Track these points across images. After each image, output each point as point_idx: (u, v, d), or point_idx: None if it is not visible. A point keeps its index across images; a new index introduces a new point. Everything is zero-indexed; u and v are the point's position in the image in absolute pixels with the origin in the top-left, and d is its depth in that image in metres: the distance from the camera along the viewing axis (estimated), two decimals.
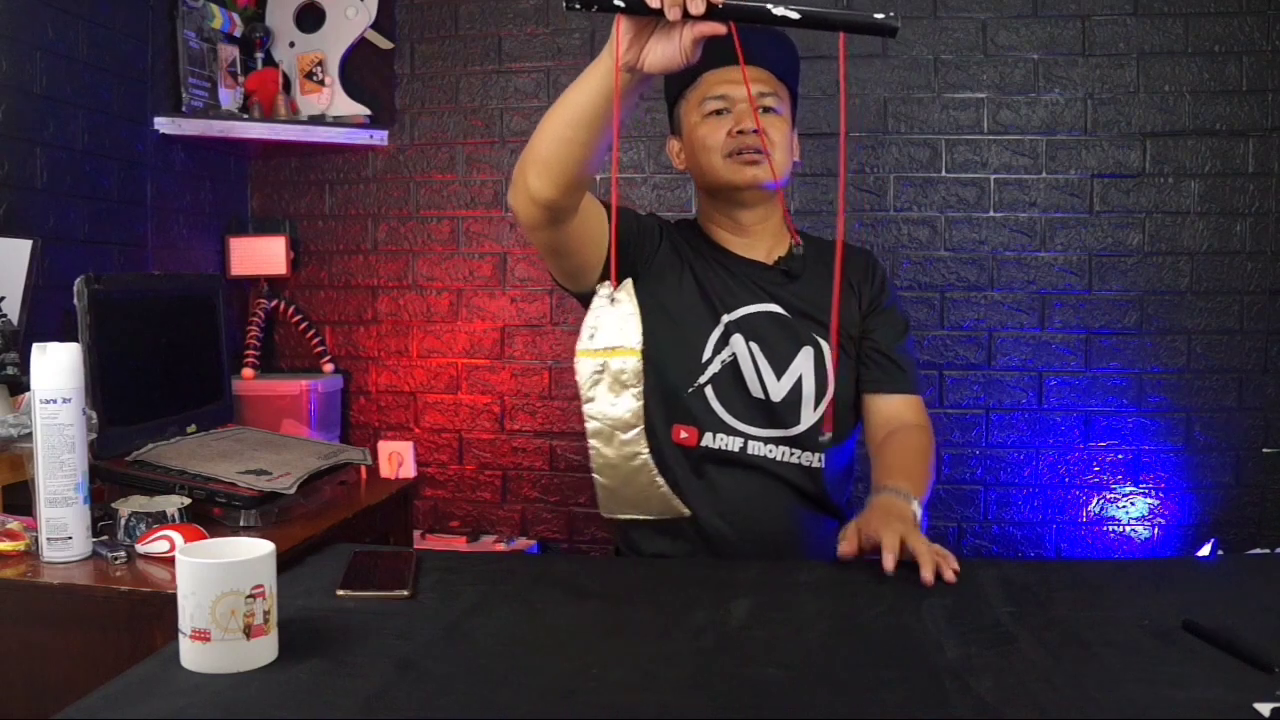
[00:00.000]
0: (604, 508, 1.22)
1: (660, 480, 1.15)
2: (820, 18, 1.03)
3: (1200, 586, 1.14)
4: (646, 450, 1.09)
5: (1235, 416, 2.44)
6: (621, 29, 1.04)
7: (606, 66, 1.08)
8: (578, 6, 1.01)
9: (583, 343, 1.07)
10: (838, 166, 2.50)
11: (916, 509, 1.26)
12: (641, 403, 1.08)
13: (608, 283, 1.10)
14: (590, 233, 1.31)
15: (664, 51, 1.05)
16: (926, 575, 1.11)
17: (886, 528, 1.17)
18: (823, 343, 1.45)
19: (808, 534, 1.45)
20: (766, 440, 1.42)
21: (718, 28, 1.02)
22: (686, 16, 1.00)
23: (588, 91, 1.12)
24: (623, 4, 1.01)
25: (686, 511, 1.18)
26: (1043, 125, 2.45)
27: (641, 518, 1.20)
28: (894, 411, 1.48)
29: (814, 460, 1.44)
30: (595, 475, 1.12)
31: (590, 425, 1.08)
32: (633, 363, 1.05)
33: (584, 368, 1.08)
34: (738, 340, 1.42)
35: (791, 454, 1.43)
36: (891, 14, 1.00)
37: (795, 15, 1.00)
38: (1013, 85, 2.46)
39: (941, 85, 2.47)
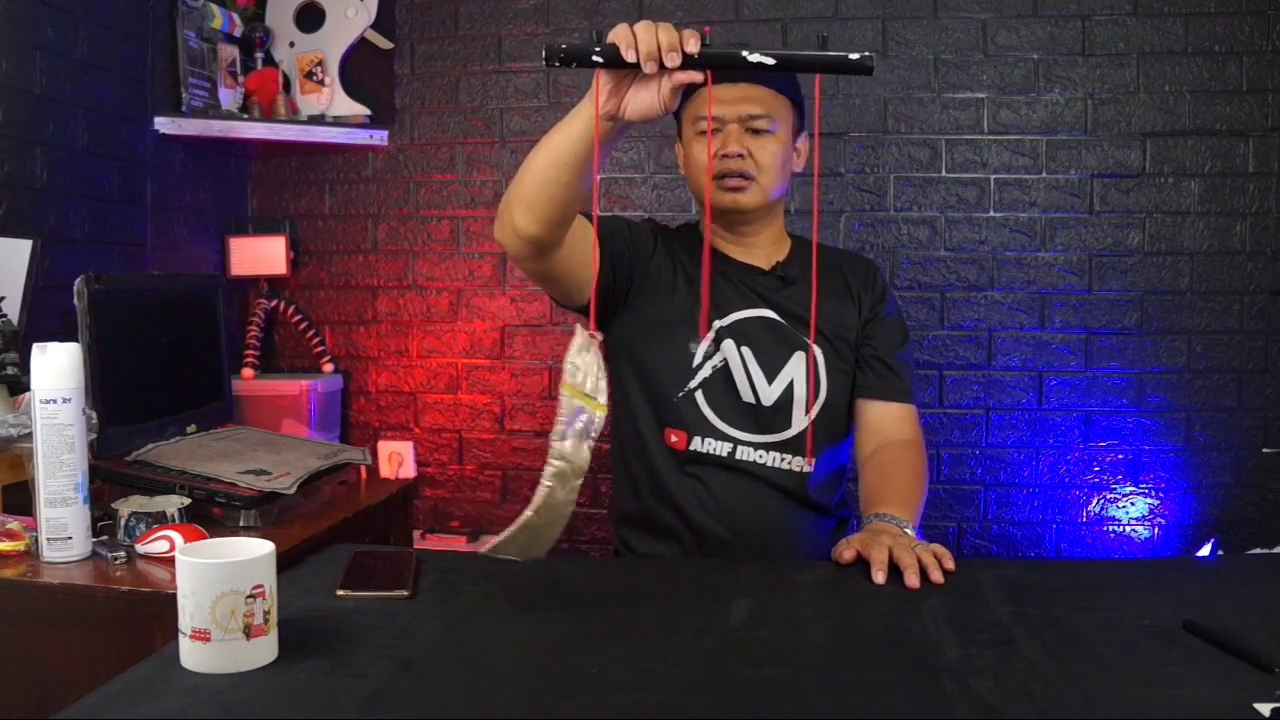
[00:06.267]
0: (500, 549, 1.13)
1: (560, 532, 1.11)
2: (795, 61, 1.04)
3: (1200, 586, 1.14)
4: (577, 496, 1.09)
5: (1235, 416, 2.44)
6: (601, 80, 1.06)
7: (588, 113, 1.10)
8: (557, 63, 1.02)
9: (570, 377, 1.04)
10: (838, 167, 2.50)
11: (910, 532, 1.27)
12: (590, 455, 1.07)
13: (580, 328, 1.06)
14: (580, 256, 1.32)
15: (644, 100, 1.06)
16: (911, 580, 1.11)
17: (875, 544, 1.18)
18: (817, 351, 1.45)
19: (800, 533, 1.45)
20: (756, 445, 1.43)
21: (695, 76, 1.03)
22: (663, 68, 1.01)
23: (571, 136, 1.14)
24: (600, 59, 1.02)
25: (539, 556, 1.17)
26: (1043, 125, 2.45)
27: (515, 559, 1.15)
28: (885, 420, 1.48)
29: (804, 465, 1.44)
30: (530, 513, 1.07)
31: (555, 465, 1.05)
32: (600, 418, 1.05)
33: (570, 404, 1.05)
34: (729, 345, 1.43)
35: (781, 459, 1.43)
36: (868, 54, 1.01)
37: (770, 60, 1.01)
38: (1013, 85, 2.46)
39: (941, 85, 2.47)
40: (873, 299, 1.52)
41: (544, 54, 1.03)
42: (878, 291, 1.53)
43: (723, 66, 1.03)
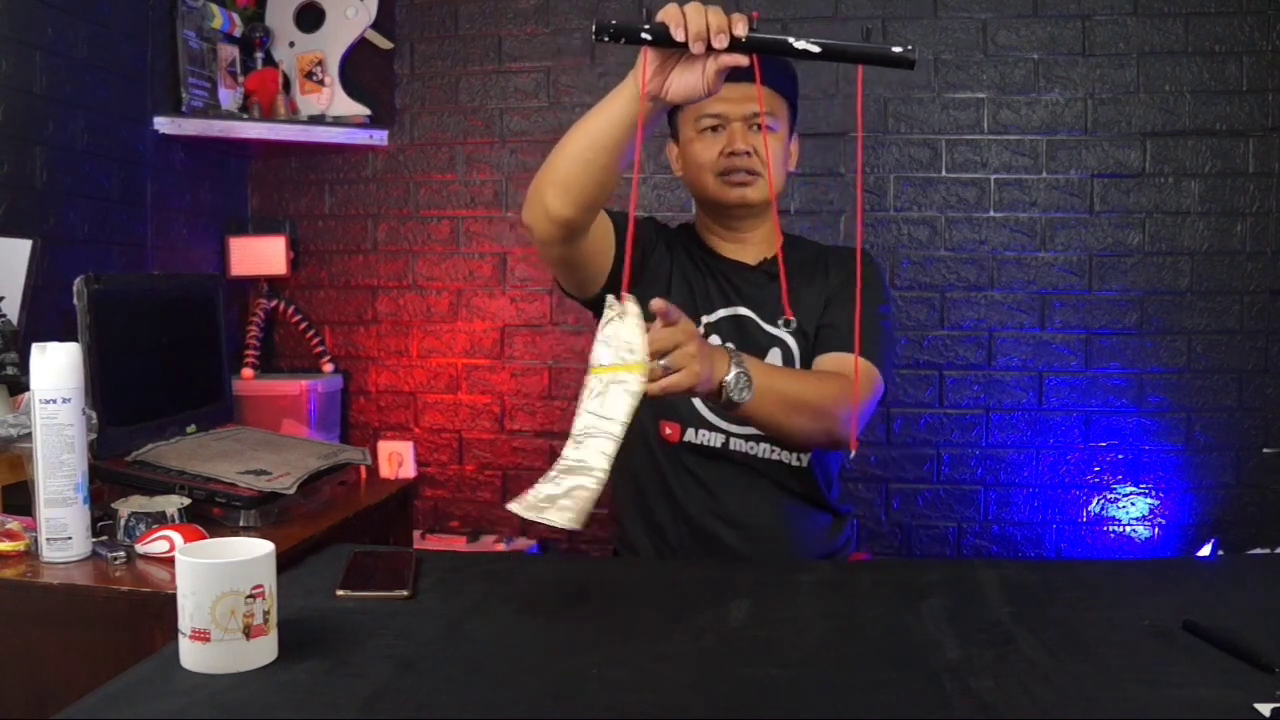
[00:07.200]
0: (526, 507, 1.02)
1: (594, 498, 1.01)
2: (840, 50, 1.04)
3: (1200, 586, 1.14)
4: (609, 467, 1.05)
5: (1235, 416, 2.44)
6: (647, 59, 1.05)
7: (630, 94, 1.10)
8: (606, 38, 1.02)
9: (596, 360, 1.01)
10: (838, 167, 2.51)
11: (730, 368, 1.16)
12: (635, 403, 1.00)
13: (612, 297, 1.03)
14: (600, 244, 1.34)
15: (687, 82, 1.07)
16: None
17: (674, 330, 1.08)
18: (790, 340, 1.45)
19: (797, 527, 1.46)
20: (747, 438, 1.43)
21: (740, 59, 1.03)
22: (710, 49, 1.01)
23: (610, 117, 1.14)
24: (649, 36, 1.02)
25: (580, 526, 1.10)
26: (1043, 125, 2.45)
27: (547, 522, 1.11)
28: (821, 364, 1.41)
29: (793, 459, 1.44)
30: (555, 474, 1.00)
31: (585, 425, 0.99)
32: (638, 379, 1.00)
33: (597, 382, 1.01)
34: (715, 341, 1.44)
35: (772, 450, 1.43)
36: (910, 47, 1.01)
37: (816, 49, 1.01)
38: (1013, 85, 2.45)
39: (941, 85, 2.47)
40: (840, 277, 1.49)
41: (593, 28, 1.03)
42: (848, 271, 1.51)
43: (769, 52, 1.04)
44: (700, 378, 1.09)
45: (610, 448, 0.98)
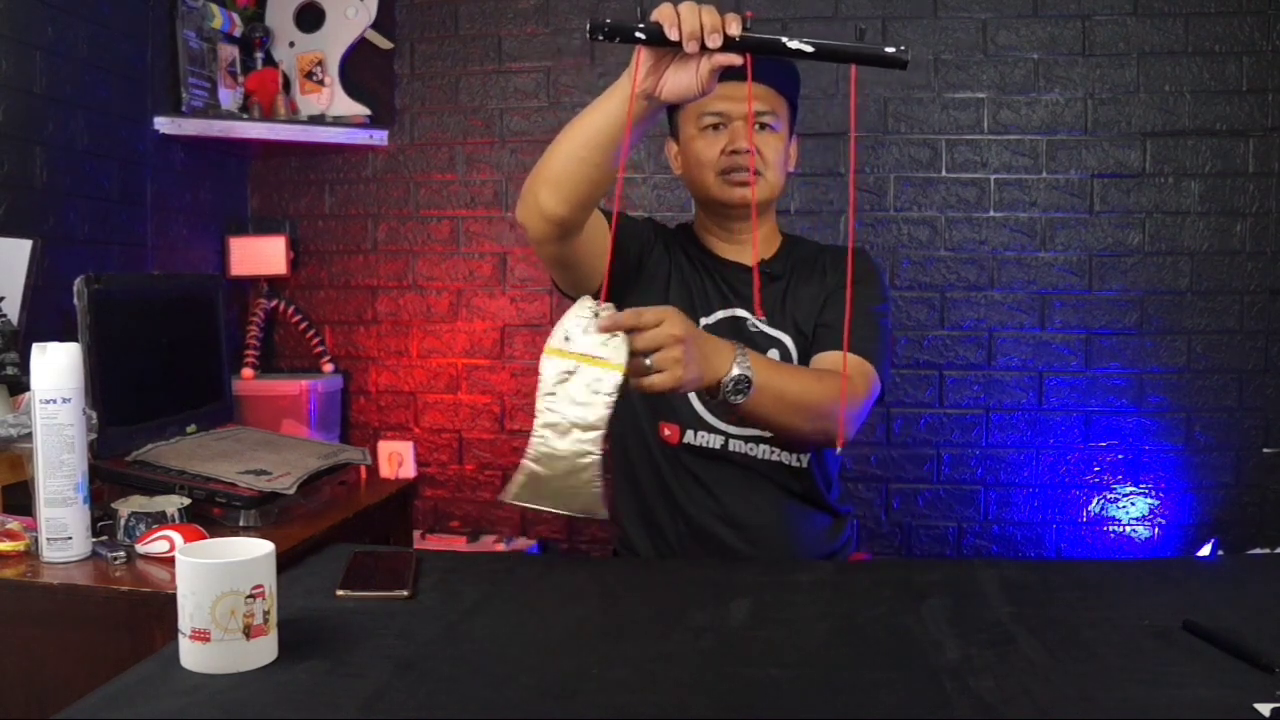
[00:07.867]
0: (514, 495, 1.09)
1: (598, 483, 1.07)
2: (833, 50, 1.05)
3: (1200, 586, 1.14)
4: (599, 452, 1.04)
5: (1235, 416, 2.44)
6: (641, 58, 1.06)
7: (624, 92, 1.11)
8: (600, 37, 1.03)
9: (555, 341, 1.04)
10: (838, 167, 2.51)
11: (733, 368, 1.17)
12: (610, 413, 1.04)
13: (587, 298, 1.06)
14: (595, 244, 1.34)
15: (681, 81, 1.07)
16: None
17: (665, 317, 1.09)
18: (787, 340, 1.45)
19: (797, 528, 1.45)
20: (746, 439, 1.43)
21: (734, 59, 1.04)
22: (704, 49, 1.02)
23: (605, 115, 1.14)
24: (643, 35, 1.03)
25: (604, 514, 1.13)
26: (1043, 125, 2.45)
27: (552, 511, 1.14)
28: (820, 362, 1.41)
29: (792, 459, 1.44)
30: (528, 462, 1.05)
31: (547, 417, 1.03)
32: (613, 377, 1.03)
33: (551, 366, 1.04)
34: None
35: (772, 452, 1.43)
36: (903, 47, 1.02)
37: (809, 48, 1.02)
38: (1013, 85, 2.46)
39: (941, 85, 2.47)
40: (837, 278, 1.49)
41: (588, 27, 1.04)
42: (844, 270, 1.50)
43: (763, 51, 1.04)
44: (682, 381, 1.10)
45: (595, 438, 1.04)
